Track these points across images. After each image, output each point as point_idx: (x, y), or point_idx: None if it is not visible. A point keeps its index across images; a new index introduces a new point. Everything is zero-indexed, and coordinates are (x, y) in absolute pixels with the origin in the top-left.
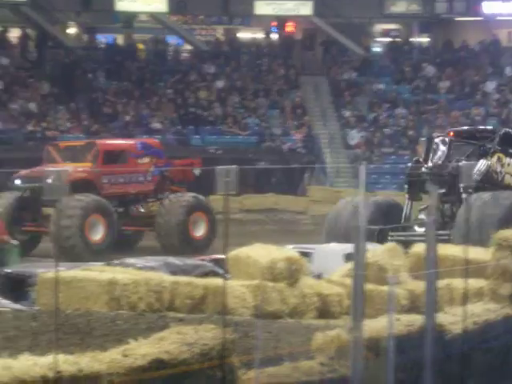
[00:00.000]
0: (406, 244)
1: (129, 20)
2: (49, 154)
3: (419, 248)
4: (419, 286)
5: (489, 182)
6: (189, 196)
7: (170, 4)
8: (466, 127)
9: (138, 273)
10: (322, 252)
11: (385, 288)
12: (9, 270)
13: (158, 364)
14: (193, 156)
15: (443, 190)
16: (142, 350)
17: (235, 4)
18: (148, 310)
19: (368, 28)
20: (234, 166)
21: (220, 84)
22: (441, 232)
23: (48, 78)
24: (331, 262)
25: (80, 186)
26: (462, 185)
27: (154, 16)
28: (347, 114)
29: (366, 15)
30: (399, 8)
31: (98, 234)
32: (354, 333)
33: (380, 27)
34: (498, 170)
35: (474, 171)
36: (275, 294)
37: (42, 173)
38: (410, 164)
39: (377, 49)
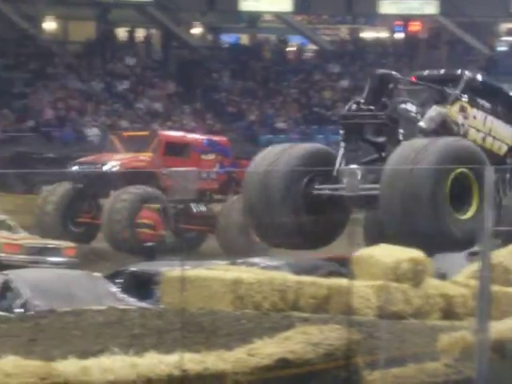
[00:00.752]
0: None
1: (253, 20)
2: (112, 143)
3: None
4: None
5: (445, 133)
6: None
7: (295, 4)
8: (434, 71)
9: (262, 272)
10: None
11: (510, 290)
12: (134, 269)
13: (283, 363)
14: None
15: (382, 138)
16: (268, 349)
17: (359, 3)
18: (272, 310)
19: (493, 27)
20: (357, 167)
21: (344, 84)
22: (366, 185)
23: (173, 77)
24: (453, 260)
25: (139, 175)
26: (401, 131)
27: (278, 16)
28: None
29: (492, 14)
30: None
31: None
32: (479, 334)
33: (505, 26)
34: (460, 121)
35: (423, 118)
36: (399, 294)
37: (99, 160)
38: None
39: (502, 48)
